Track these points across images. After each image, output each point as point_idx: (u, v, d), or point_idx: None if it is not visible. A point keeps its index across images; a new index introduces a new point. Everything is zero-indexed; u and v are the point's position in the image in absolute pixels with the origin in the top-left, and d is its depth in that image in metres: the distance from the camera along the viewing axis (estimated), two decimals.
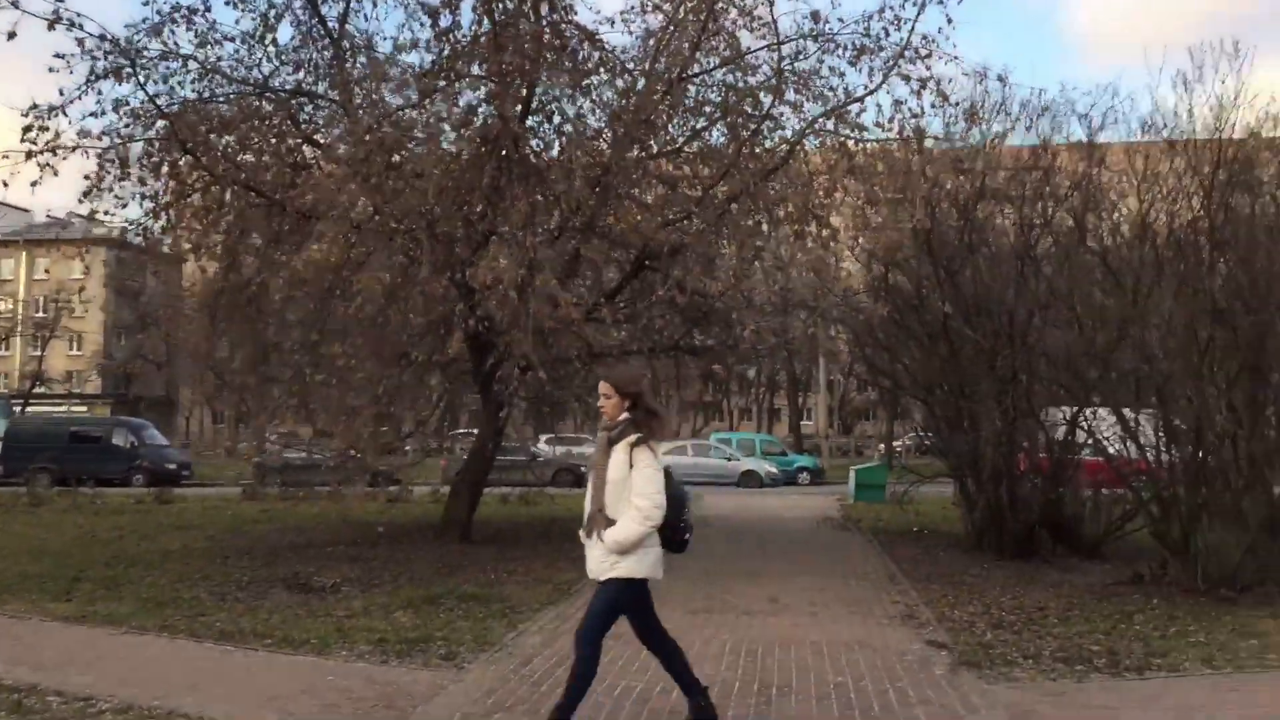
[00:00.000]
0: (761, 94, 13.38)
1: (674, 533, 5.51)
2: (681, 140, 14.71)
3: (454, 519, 15.45)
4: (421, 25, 13.64)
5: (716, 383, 59.39)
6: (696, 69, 13.91)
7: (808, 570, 12.73)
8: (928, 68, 12.66)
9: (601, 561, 5.40)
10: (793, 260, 19.01)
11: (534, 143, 13.99)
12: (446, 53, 12.92)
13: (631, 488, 5.29)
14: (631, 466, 5.30)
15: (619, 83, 14.00)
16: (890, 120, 12.98)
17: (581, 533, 5.57)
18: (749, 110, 13.50)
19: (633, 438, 5.35)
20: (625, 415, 5.44)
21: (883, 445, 48.75)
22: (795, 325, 18.00)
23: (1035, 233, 14.38)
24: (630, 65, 14.10)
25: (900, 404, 23.85)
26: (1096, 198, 14.14)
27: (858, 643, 8.19)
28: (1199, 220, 11.91)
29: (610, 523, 5.34)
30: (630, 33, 14.36)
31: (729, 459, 36.41)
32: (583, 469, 36.43)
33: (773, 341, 16.49)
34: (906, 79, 12.75)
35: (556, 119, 14.17)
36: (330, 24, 14.44)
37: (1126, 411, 12.17)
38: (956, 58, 12.70)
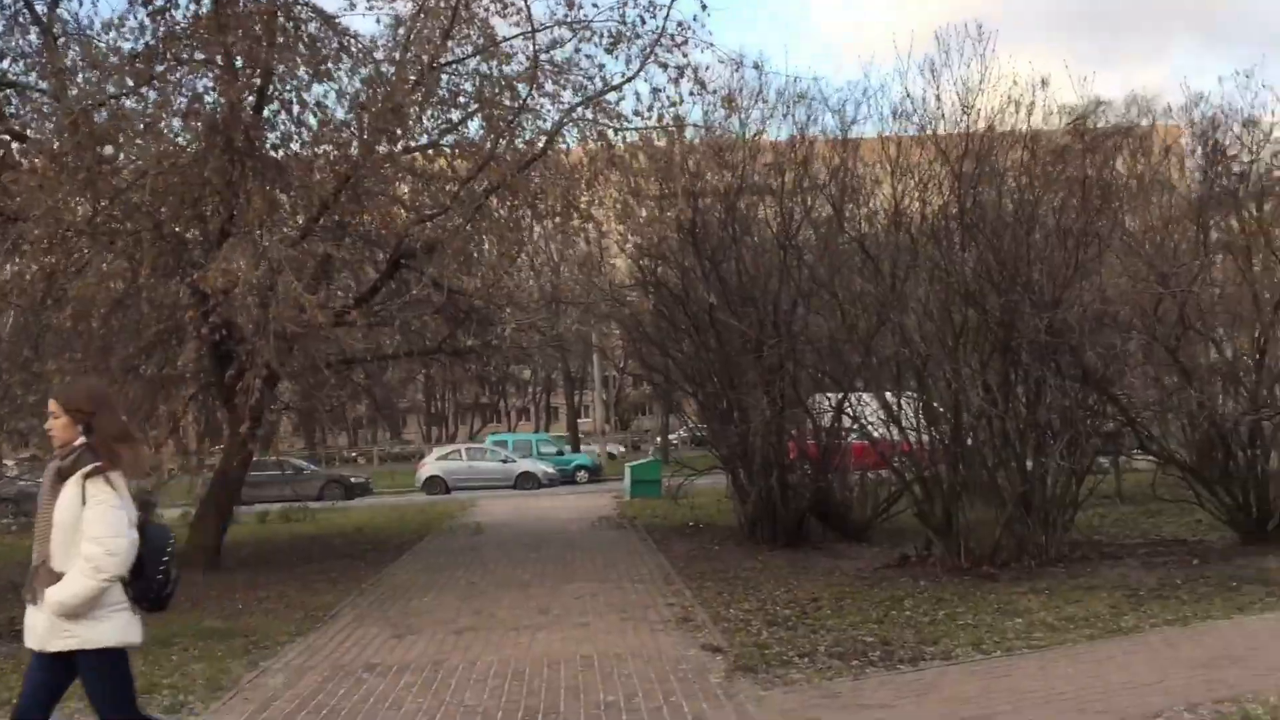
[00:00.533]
0: (518, 84, 12.83)
1: (148, 588, 4.31)
2: (436, 133, 13.98)
3: (200, 546, 14.14)
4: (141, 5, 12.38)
5: (491, 384, 58.55)
6: (449, 58, 13.21)
7: (581, 575, 12.27)
8: (684, 55, 12.45)
9: (49, 629, 4.15)
10: (562, 257, 18.52)
11: (273, 135, 12.96)
12: (163, 33, 11.71)
13: (83, 531, 4.12)
14: (84, 504, 4.12)
15: (364, 70, 13.11)
16: (649, 109, 12.73)
17: (25, 593, 4.28)
18: (506, 101, 12.93)
19: (87, 468, 4.15)
20: (80, 440, 4.25)
21: (659, 439, 49.17)
22: (565, 322, 17.55)
23: (796, 222, 14.41)
24: (378, 54, 13.25)
25: (673, 398, 23.82)
26: (854, 187, 14.29)
27: (631, 653, 7.74)
28: (949, 206, 12.16)
29: (56, 578, 4.12)
30: (378, 20, 13.52)
31: (505, 461, 35.71)
32: (353, 480, 35.01)
33: (537, 340, 15.97)
34: (664, 66, 12.51)
35: (296, 109, 13.15)
36: (39, 8, 12.95)
37: (889, 395, 12.31)
38: (712, 45, 12.57)
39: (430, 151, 14.04)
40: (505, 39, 13.04)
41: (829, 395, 14.44)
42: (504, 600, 10.52)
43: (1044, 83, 11.63)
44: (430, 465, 35.64)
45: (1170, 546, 12.27)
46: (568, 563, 13.65)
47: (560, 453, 41.01)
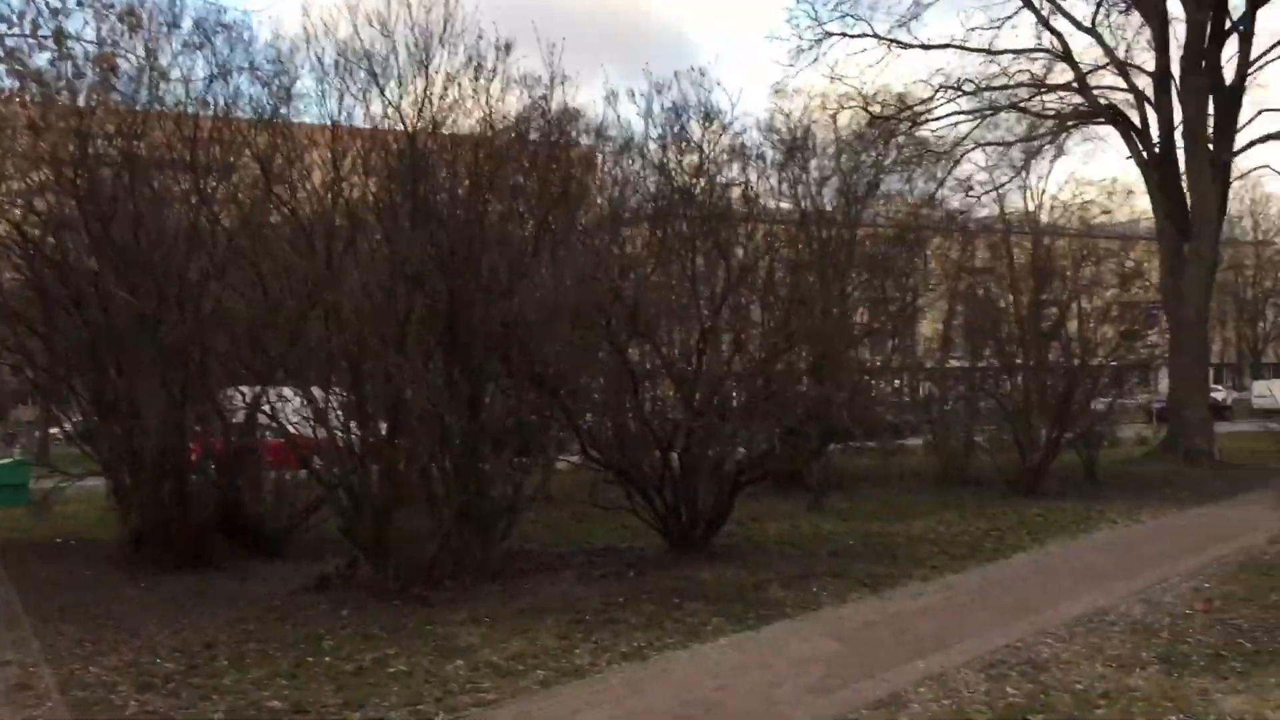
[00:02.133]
0: None
1: None
2: None
3: None
4: None
5: None
6: None
7: None
8: None
9: None
10: None
11: None
12: None
13: None
14: None
15: None
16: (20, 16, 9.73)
17: None
18: None
19: None
20: None
21: (38, 434, 42.22)
22: None
23: (214, 178, 12.05)
24: None
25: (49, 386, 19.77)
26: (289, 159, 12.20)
27: None
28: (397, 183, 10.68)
29: None
30: None
31: None
32: None
33: None
34: None
35: None
36: None
37: (317, 390, 10.50)
38: None
39: None
40: None
41: (245, 388, 12.27)
42: None
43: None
44: None
45: (605, 556, 11.80)
46: None
47: None
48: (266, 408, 11.45)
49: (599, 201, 12.37)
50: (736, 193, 12.35)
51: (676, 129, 11.12)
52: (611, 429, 11.68)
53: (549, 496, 16.14)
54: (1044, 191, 39.82)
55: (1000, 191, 22.27)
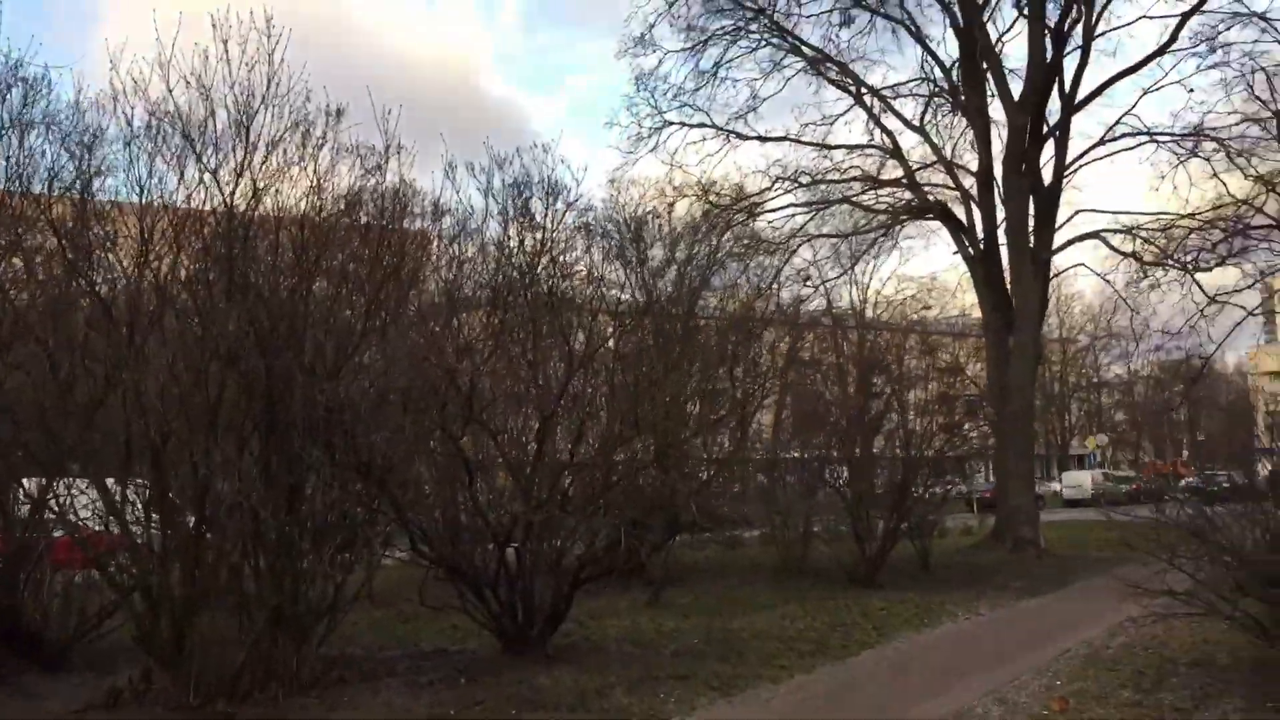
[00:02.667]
0: None
1: None
2: None
3: None
4: None
5: None
6: None
7: None
8: None
9: None
10: None
11: None
12: None
13: None
14: None
15: None
16: None
17: None
18: None
19: None
20: None
21: None
22: None
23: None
24: None
25: None
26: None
27: None
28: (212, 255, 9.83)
29: None
30: None
31: None
32: None
33: None
34: None
35: None
36: None
37: (112, 481, 9.44)
38: None
39: None
40: None
41: (32, 480, 11.00)
42: None
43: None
44: None
45: (434, 660, 10.96)
46: None
47: None
48: (54, 501, 10.26)
49: (435, 281, 11.77)
50: (580, 275, 11.98)
51: (519, 205, 10.67)
52: (443, 522, 10.96)
53: (372, 595, 15.14)
54: (868, 286, 41.30)
55: (829, 285, 22.69)
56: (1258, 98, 22.88)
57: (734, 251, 21.50)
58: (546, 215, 10.15)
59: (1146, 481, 64.03)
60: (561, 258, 11.57)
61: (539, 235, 10.22)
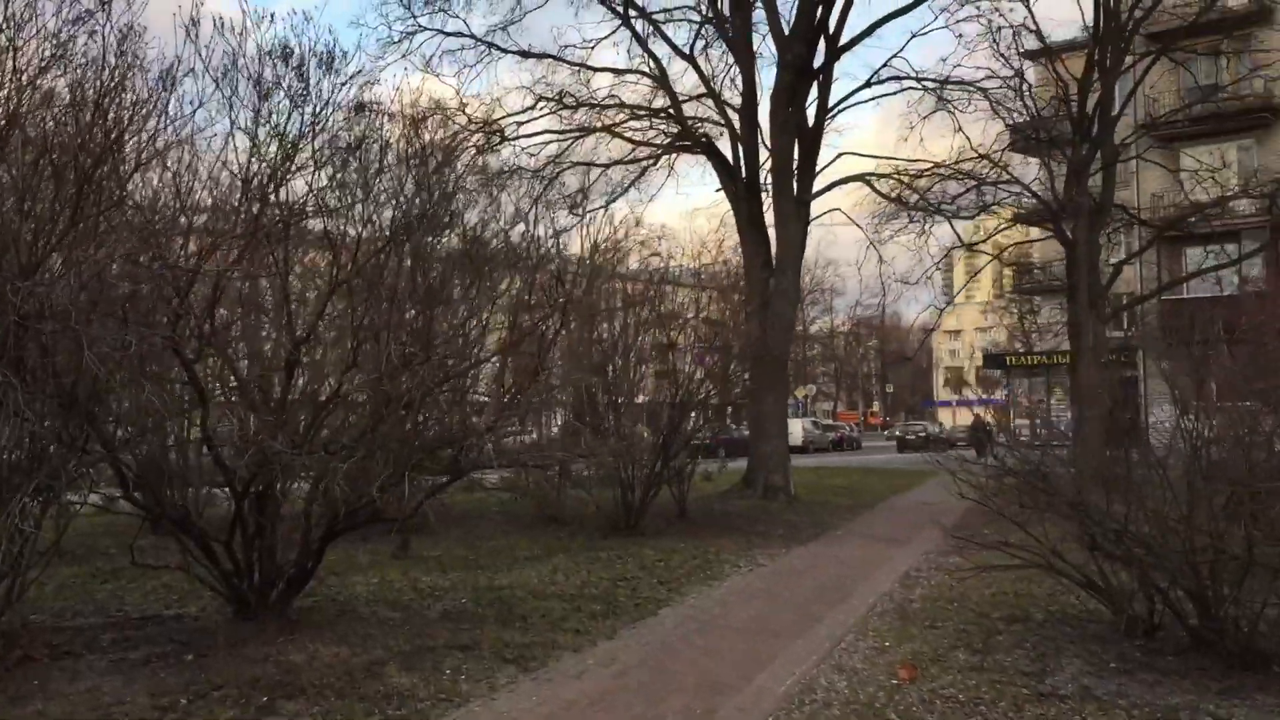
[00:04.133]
0: None
1: None
2: None
3: None
4: None
5: None
6: None
7: None
8: None
9: None
10: None
11: None
12: None
13: None
14: None
15: None
16: None
17: None
18: None
19: None
20: None
21: None
22: None
23: None
24: None
25: None
26: None
27: None
28: None
29: None
30: None
31: None
32: None
33: None
34: None
35: None
36: None
37: None
38: None
39: None
40: None
41: None
42: None
43: None
44: None
45: (145, 630, 8.99)
46: None
47: None
48: None
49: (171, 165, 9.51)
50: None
51: (269, 85, 8.62)
52: (167, 465, 8.97)
53: (59, 550, 12.66)
54: (598, 229, 40.33)
55: (590, 218, 21.30)
56: (1000, 54, 23.60)
57: (487, 178, 19.74)
58: (309, 99, 8.19)
59: (850, 430, 67.89)
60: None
61: (307, 111, 8.29)
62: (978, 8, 22.66)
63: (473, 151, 19.96)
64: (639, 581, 11.45)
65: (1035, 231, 32.54)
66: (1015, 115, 24.02)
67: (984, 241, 28.84)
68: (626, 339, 16.04)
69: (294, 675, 7.38)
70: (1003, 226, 30.29)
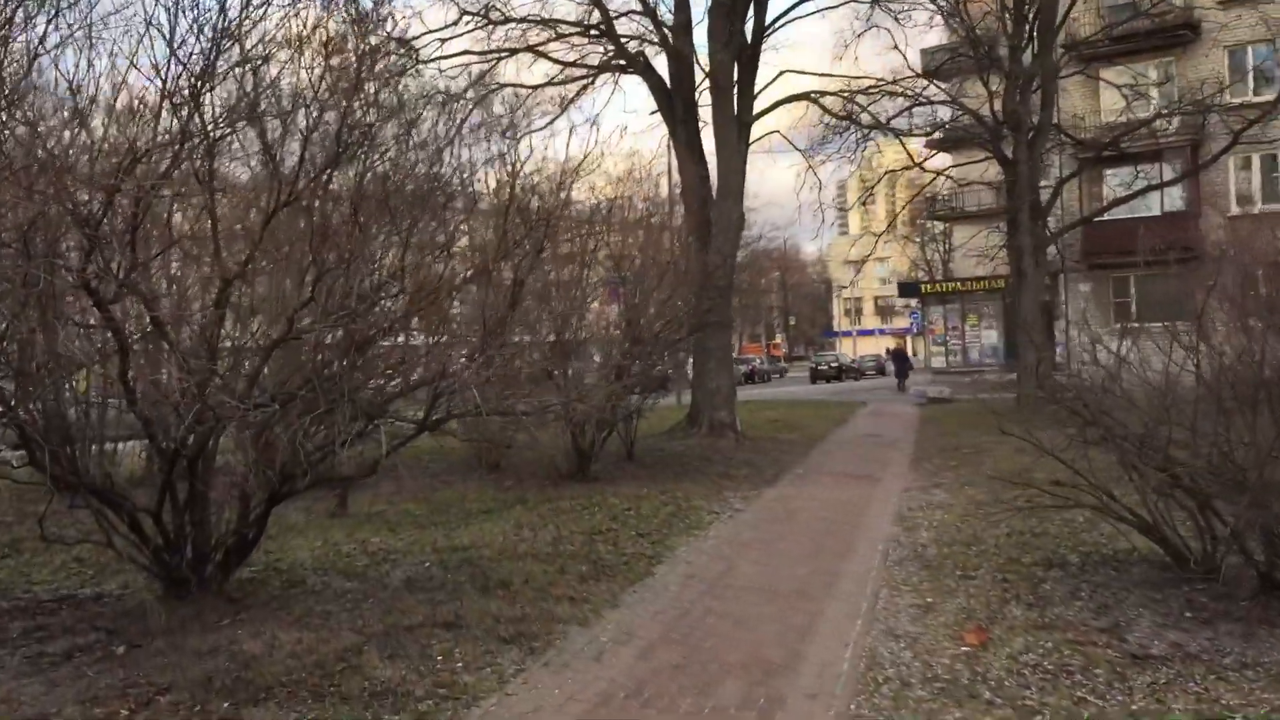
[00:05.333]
0: None
1: None
2: None
3: None
4: None
5: None
6: None
7: None
8: None
9: None
10: None
11: None
12: None
13: None
14: None
15: None
16: None
17: None
18: None
19: None
20: None
21: None
22: None
23: None
24: None
25: None
26: None
27: None
28: None
29: None
30: None
31: None
32: None
33: None
34: None
35: None
36: None
37: None
38: None
39: None
40: None
41: None
42: None
43: None
44: None
45: (61, 615, 7.72)
46: None
47: None
48: None
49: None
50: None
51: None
52: (83, 424, 7.59)
53: None
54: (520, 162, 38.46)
55: (513, 143, 19.80)
56: None
57: (402, 103, 18.04)
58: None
59: (760, 362, 67.60)
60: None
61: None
62: None
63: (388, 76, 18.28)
64: (616, 535, 10.40)
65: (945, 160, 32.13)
66: (955, 25, 23.21)
67: (913, 167, 28.10)
68: (574, 273, 14.80)
69: (254, 670, 6.18)
70: (929, 155, 29.75)
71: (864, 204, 39.32)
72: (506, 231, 8.11)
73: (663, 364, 16.33)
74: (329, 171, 7.35)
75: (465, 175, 10.04)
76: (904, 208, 34.55)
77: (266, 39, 8.00)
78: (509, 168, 9.18)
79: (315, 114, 8.13)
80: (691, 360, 19.73)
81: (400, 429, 8.16)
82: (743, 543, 10.00)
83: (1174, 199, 29.61)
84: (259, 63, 7.47)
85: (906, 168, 26.83)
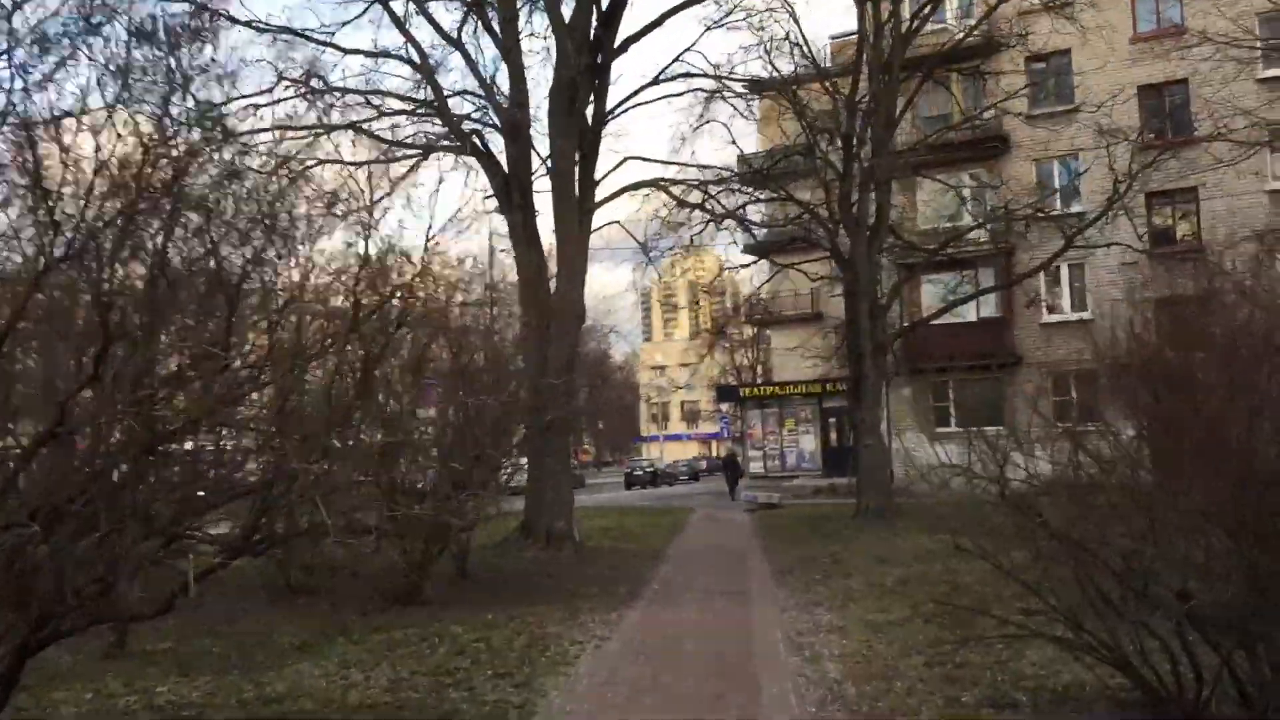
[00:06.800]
0: None
1: None
2: None
3: None
4: None
5: None
6: None
7: None
8: None
9: None
10: None
11: None
12: None
13: None
14: None
15: None
16: None
17: None
18: None
19: None
20: None
21: None
22: None
23: None
24: None
25: None
26: None
27: None
28: None
29: None
30: None
31: None
32: None
33: None
34: None
35: None
36: None
37: None
38: None
39: None
40: None
41: None
42: None
43: None
44: None
45: None
46: None
47: None
48: None
49: None
50: None
51: None
52: None
53: None
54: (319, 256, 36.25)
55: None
56: (772, 64, 22.66)
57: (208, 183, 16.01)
58: None
59: (579, 467, 65.95)
60: None
61: None
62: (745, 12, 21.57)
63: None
64: (469, 676, 8.59)
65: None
66: (805, 115, 22.99)
67: (746, 267, 27.64)
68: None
69: None
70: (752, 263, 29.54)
71: (682, 308, 38.92)
72: (358, 299, 6.51)
73: (510, 465, 14.71)
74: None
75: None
76: (715, 315, 34.17)
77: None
78: (358, 228, 7.61)
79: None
80: (526, 464, 17.97)
81: (208, 552, 6.30)
82: (624, 683, 8.35)
83: (989, 305, 30.28)
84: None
85: (753, 261, 26.33)
